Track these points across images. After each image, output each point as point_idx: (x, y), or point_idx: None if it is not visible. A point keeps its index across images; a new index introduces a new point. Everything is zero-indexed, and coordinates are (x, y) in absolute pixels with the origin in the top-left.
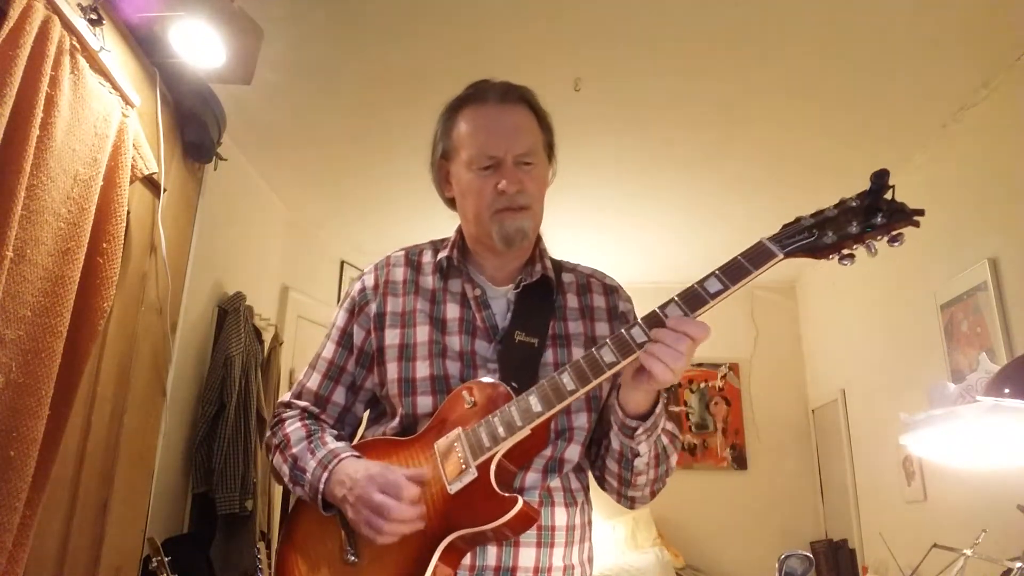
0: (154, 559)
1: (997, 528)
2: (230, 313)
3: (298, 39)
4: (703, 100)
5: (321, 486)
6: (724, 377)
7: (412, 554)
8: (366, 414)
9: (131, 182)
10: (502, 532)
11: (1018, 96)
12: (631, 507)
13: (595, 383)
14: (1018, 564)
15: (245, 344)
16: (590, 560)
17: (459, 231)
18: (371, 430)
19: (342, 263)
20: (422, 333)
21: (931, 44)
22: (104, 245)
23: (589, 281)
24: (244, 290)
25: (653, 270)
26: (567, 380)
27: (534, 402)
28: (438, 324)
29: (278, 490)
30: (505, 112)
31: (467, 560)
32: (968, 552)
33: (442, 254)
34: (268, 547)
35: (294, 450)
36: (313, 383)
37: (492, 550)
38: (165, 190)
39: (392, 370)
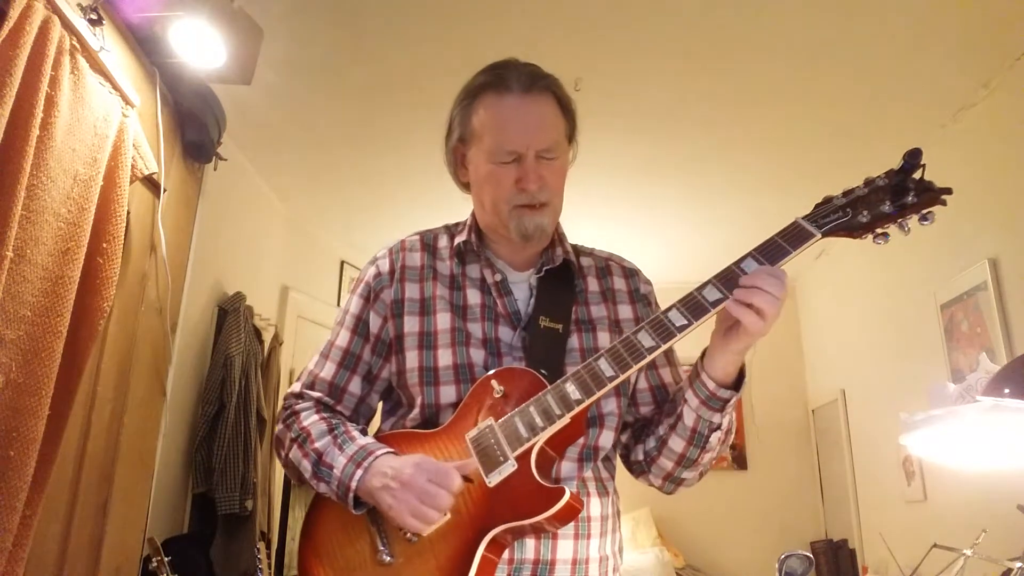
0: (154, 559)
1: (997, 528)
2: (230, 313)
3: (298, 39)
4: (702, 100)
5: (354, 483)
6: None
7: (455, 550)
8: (380, 405)
9: (131, 182)
10: (544, 525)
11: (1018, 96)
12: (673, 491)
13: (635, 368)
14: (1018, 564)
15: (245, 344)
16: (620, 550)
17: (474, 215)
18: (388, 422)
19: (342, 263)
20: (443, 320)
21: (931, 44)
22: (104, 245)
23: (608, 264)
24: (244, 290)
25: (651, 270)
26: (605, 366)
27: (572, 389)
28: (459, 311)
29: (278, 490)
30: (529, 105)
31: (506, 554)
32: (968, 552)
33: (459, 239)
34: (268, 547)
35: (316, 445)
36: (327, 372)
37: (530, 543)
38: (165, 190)
39: (412, 359)
